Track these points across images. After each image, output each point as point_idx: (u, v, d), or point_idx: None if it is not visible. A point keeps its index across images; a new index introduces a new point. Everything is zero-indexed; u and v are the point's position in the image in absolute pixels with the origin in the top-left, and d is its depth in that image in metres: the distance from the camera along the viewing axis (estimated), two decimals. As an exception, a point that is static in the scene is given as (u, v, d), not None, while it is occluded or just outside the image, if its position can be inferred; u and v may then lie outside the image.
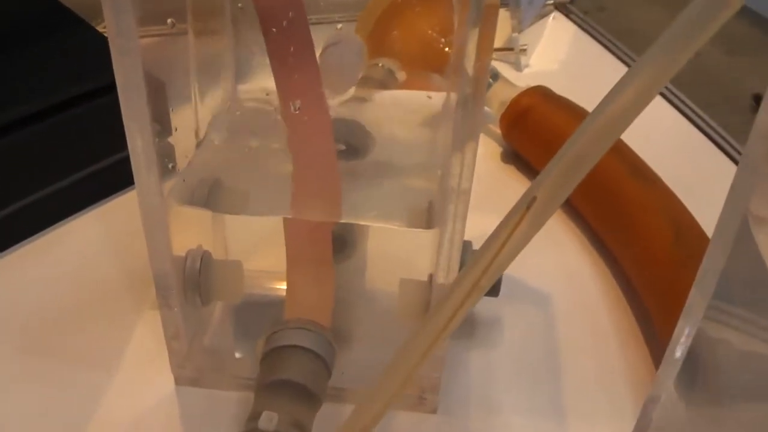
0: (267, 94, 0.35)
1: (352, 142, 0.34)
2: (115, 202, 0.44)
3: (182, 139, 0.30)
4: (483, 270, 0.18)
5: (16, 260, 0.40)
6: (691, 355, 0.27)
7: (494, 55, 0.58)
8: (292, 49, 0.30)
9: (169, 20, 0.29)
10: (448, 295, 0.19)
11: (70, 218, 0.43)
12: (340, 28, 0.40)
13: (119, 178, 0.44)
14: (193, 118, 0.32)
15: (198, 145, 0.32)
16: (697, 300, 0.26)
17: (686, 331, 0.26)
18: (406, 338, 0.21)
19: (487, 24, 0.25)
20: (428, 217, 0.30)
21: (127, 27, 0.25)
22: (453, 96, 0.37)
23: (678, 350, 0.26)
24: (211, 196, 0.31)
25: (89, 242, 0.42)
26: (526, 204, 0.18)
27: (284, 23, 0.29)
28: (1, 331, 0.37)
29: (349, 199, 0.31)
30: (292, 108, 0.28)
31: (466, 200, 0.27)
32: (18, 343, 0.36)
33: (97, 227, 0.43)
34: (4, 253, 0.41)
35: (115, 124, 0.41)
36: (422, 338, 0.20)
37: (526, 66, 0.60)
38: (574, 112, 0.45)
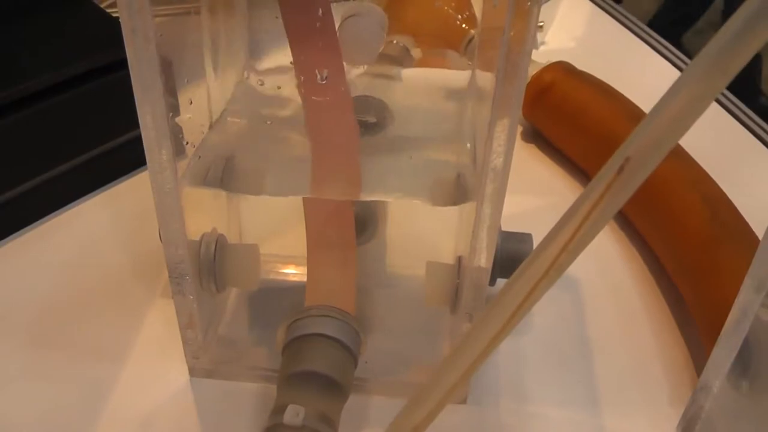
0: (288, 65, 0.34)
1: (370, 117, 0.33)
2: (123, 186, 0.42)
3: (196, 116, 0.29)
4: (566, 241, 0.16)
5: (20, 246, 0.39)
6: (744, 343, 0.25)
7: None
8: (310, 20, 0.28)
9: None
10: (519, 275, 0.17)
11: (75, 202, 0.41)
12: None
13: (126, 161, 0.42)
14: (206, 95, 0.30)
15: (212, 123, 0.31)
16: (753, 285, 0.24)
17: (741, 318, 0.25)
18: (469, 326, 0.19)
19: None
20: (455, 191, 0.28)
21: (140, 6, 0.23)
22: (480, 73, 0.35)
23: (732, 338, 0.25)
24: (225, 176, 0.29)
25: (96, 227, 0.40)
26: (618, 166, 0.16)
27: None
28: (7, 321, 0.35)
29: (369, 175, 0.29)
30: (318, 78, 0.26)
31: (504, 178, 0.26)
32: (25, 334, 0.34)
33: (104, 211, 0.41)
34: (7, 239, 0.39)
35: (121, 104, 0.39)
36: (489, 323, 0.18)
37: (542, 43, 0.58)
38: (599, 88, 0.43)
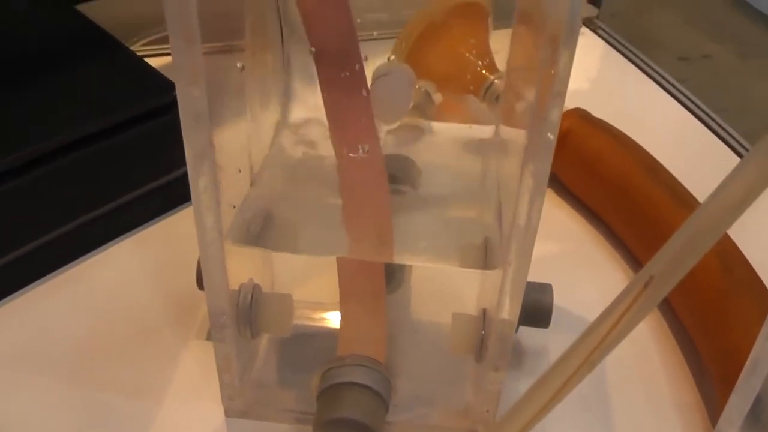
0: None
1: (399, 176, 0.34)
2: (153, 228, 0.44)
3: (240, 176, 0.30)
4: (596, 344, 0.18)
5: (57, 287, 0.40)
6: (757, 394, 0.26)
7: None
8: (345, 83, 0.30)
9: (238, 64, 0.29)
10: (553, 369, 0.19)
11: (109, 244, 0.43)
12: (391, 59, 0.40)
13: (157, 205, 0.44)
14: (247, 152, 0.32)
15: (252, 180, 0.32)
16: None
17: (757, 371, 0.26)
18: (501, 418, 0.21)
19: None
20: (485, 255, 0.30)
21: (194, 59, 0.24)
22: (504, 125, 0.37)
23: (747, 389, 0.26)
24: (263, 233, 0.31)
25: (129, 269, 0.41)
26: (644, 282, 0.17)
27: (338, 58, 0.29)
28: (44, 360, 0.36)
29: (399, 237, 0.31)
30: (360, 151, 0.28)
31: (533, 236, 0.27)
32: (61, 373, 0.36)
33: (136, 254, 0.42)
34: (43, 280, 0.41)
35: (153, 151, 0.41)
36: (521, 415, 0.19)
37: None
38: (613, 136, 0.45)
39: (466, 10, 0.50)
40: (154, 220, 0.44)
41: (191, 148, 0.25)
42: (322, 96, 0.28)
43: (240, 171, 0.30)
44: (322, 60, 0.27)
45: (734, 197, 0.16)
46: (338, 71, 0.28)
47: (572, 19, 0.24)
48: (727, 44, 2.14)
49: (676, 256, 0.17)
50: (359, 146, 0.28)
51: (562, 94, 0.25)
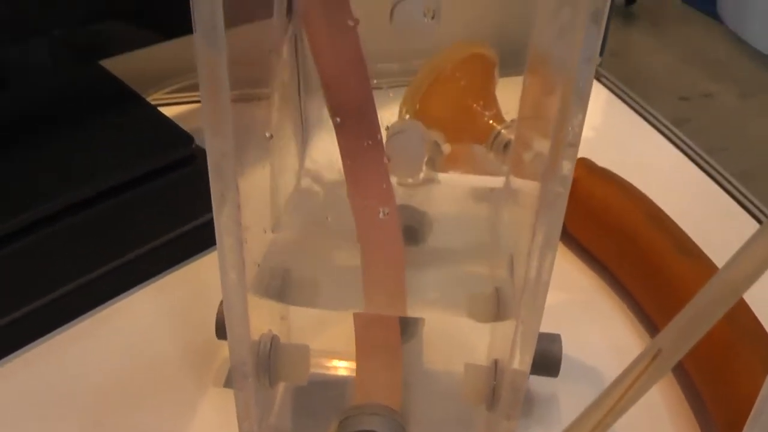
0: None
1: (410, 228, 0.36)
2: (170, 277, 0.45)
3: (265, 236, 0.31)
4: (606, 412, 0.19)
5: (76, 336, 0.41)
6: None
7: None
8: (366, 152, 0.31)
9: (267, 133, 0.30)
10: None
11: (127, 293, 0.44)
12: (407, 117, 0.41)
13: (175, 254, 0.45)
14: (269, 208, 0.33)
15: (273, 234, 0.34)
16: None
17: (762, 419, 0.27)
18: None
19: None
20: (496, 307, 0.31)
21: (224, 120, 0.25)
22: (515, 177, 0.38)
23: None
24: (283, 288, 0.32)
25: (147, 317, 0.42)
26: (652, 355, 0.19)
27: (354, 116, 0.31)
28: (62, 408, 0.37)
29: (412, 290, 0.32)
30: (381, 214, 0.29)
31: (545, 289, 0.28)
32: (80, 421, 0.37)
33: (154, 302, 0.43)
34: (63, 328, 0.42)
35: (172, 203, 0.43)
36: None
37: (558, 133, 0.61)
38: (619, 186, 0.46)
39: (474, 61, 0.52)
40: (170, 269, 0.46)
41: (220, 216, 0.27)
42: (342, 162, 0.29)
43: (265, 231, 0.31)
44: (344, 131, 0.29)
45: (735, 277, 0.17)
46: (360, 141, 0.29)
47: (585, 77, 0.25)
48: (727, 83, 2.16)
49: (683, 331, 0.18)
50: (380, 210, 0.29)
51: (575, 149, 0.26)
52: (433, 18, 0.30)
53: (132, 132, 0.44)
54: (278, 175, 0.35)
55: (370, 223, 0.30)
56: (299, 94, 0.37)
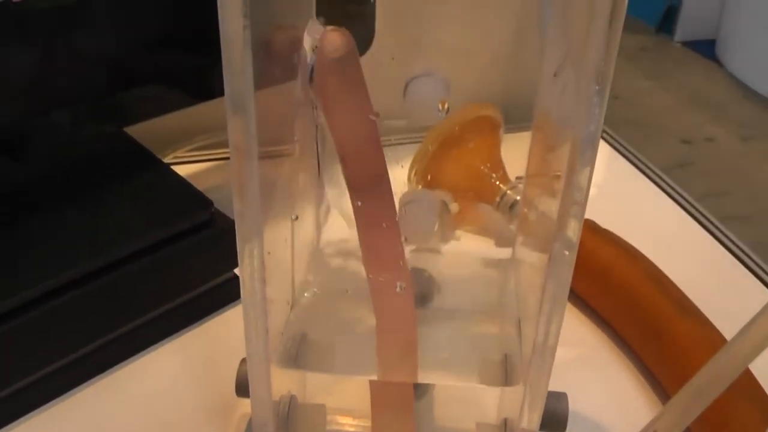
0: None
1: (420, 290, 0.37)
2: (191, 333, 0.47)
3: (287, 305, 0.33)
4: None
5: (95, 394, 0.43)
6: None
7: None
8: (382, 234, 0.33)
9: (293, 216, 0.32)
10: None
11: (149, 349, 0.45)
12: (419, 188, 0.43)
13: (195, 312, 0.47)
14: (290, 279, 0.35)
15: (293, 303, 0.35)
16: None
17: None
18: None
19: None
20: (505, 372, 0.33)
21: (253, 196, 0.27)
22: (522, 241, 0.40)
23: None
24: (300, 353, 0.34)
25: (165, 375, 0.44)
26: None
27: (371, 190, 0.33)
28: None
29: (422, 355, 0.33)
30: (398, 288, 0.31)
31: (552, 353, 0.30)
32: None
33: (171, 359, 0.45)
34: (82, 386, 0.43)
35: (191, 265, 0.44)
36: None
37: (558, 191, 0.62)
38: (621, 249, 0.48)
39: (480, 123, 0.54)
40: (188, 327, 0.47)
41: (246, 292, 0.28)
42: (360, 241, 0.31)
43: (289, 303, 0.33)
44: (361, 214, 0.31)
45: (740, 352, 0.19)
46: (377, 222, 0.31)
47: (592, 136, 0.26)
48: (728, 127, 2.18)
49: (676, 417, 0.19)
50: (397, 285, 0.31)
51: (581, 208, 0.28)
52: (447, 112, 0.32)
53: (152, 197, 0.46)
54: (300, 247, 0.37)
55: (385, 295, 0.31)
56: (318, 163, 0.39)
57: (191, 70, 0.48)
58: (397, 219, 0.34)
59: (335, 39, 0.32)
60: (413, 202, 0.37)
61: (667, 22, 2.65)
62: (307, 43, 0.32)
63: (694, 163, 1.94)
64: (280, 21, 0.32)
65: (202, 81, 0.48)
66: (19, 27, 0.39)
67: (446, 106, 0.33)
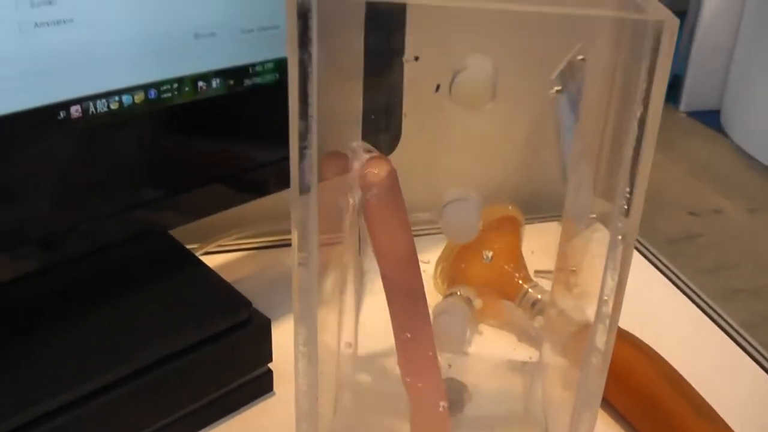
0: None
1: (451, 398, 0.39)
2: (222, 427, 0.48)
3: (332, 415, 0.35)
4: None
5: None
6: None
7: (543, 276, 0.61)
8: (412, 323, 0.35)
9: (346, 341, 0.34)
10: None
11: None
12: (451, 295, 0.46)
13: (226, 406, 0.49)
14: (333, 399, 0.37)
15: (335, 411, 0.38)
16: None
17: None
18: None
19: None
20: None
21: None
22: (548, 355, 0.42)
23: None
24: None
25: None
26: None
27: (406, 297, 0.35)
28: None
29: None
30: (440, 408, 0.33)
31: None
32: None
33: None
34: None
35: (226, 363, 0.46)
36: None
37: (575, 286, 0.64)
38: (638, 349, 0.50)
39: (502, 223, 0.57)
40: (222, 418, 0.49)
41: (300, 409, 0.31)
42: (397, 348, 0.33)
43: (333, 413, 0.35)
44: (398, 325, 0.33)
45: None
46: (413, 332, 0.34)
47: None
48: (735, 198, 2.21)
49: None
50: (440, 405, 0.33)
51: (614, 323, 0.30)
52: (491, 259, 0.35)
53: (192, 298, 0.48)
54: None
55: (425, 412, 0.34)
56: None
57: (247, 171, 0.51)
58: (432, 331, 0.37)
59: (377, 167, 0.35)
60: (446, 313, 0.40)
61: (672, 92, 2.69)
62: (354, 166, 0.35)
63: (703, 235, 1.96)
64: (331, 146, 0.35)
65: (256, 180, 0.51)
66: (79, 139, 0.42)
67: (491, 256, 0.35)
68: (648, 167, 0.30)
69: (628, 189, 0.30)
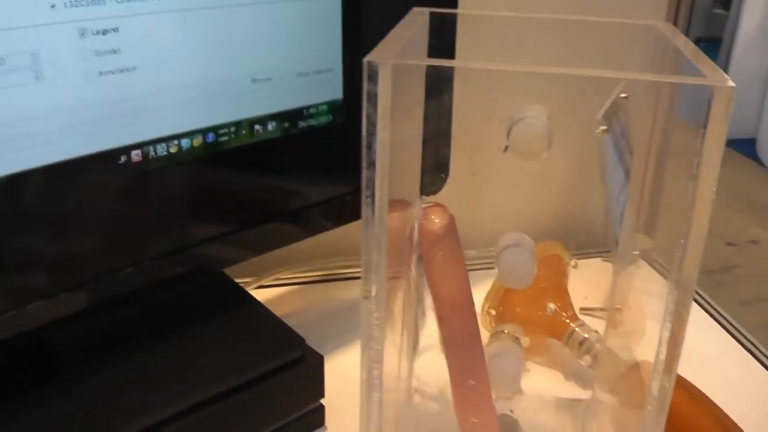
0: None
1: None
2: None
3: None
4: None
5: None
6: None
7: (587, 313, 0.61)
8: (468, 366, 0.36)
9: (414, 390, 0.35)
10: None
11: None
12: (499, 332, 0.46)
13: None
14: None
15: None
16: None
17: None
18: None
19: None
20: None
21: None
22: (598, 393, 0.43)
23: None
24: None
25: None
26: None
27: (464, 344, 0.36)
28: None
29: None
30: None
31: None
32: None
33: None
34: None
35: (278, 399, 0.47)
36: None
37: (620, 323, 0.64)
38: (688, 392, 0.50)
39: (548, 261, 0.57)
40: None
41: None
42: (452, 390, 0.34)
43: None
44: (454, 369, 0.34)
45: None
46: (469, 376, 0.34)
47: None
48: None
49: None
50: (477, 407, 0.34)
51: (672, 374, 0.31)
52: (554, 311, 0.35)
53: (247, 335, 0.49)
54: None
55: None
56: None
57: (299, 210, 0.52)
58: (487, 373, 0.37)
59: (436, 215, 0.36)
60: (500, 355, 0.40)
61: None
62: (415, 216, 0.36)
63: (741, 266, 1.95)
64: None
65: (309, 219, 0.52)
66: (138, 181, 0.43)
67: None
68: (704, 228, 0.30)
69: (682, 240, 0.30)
